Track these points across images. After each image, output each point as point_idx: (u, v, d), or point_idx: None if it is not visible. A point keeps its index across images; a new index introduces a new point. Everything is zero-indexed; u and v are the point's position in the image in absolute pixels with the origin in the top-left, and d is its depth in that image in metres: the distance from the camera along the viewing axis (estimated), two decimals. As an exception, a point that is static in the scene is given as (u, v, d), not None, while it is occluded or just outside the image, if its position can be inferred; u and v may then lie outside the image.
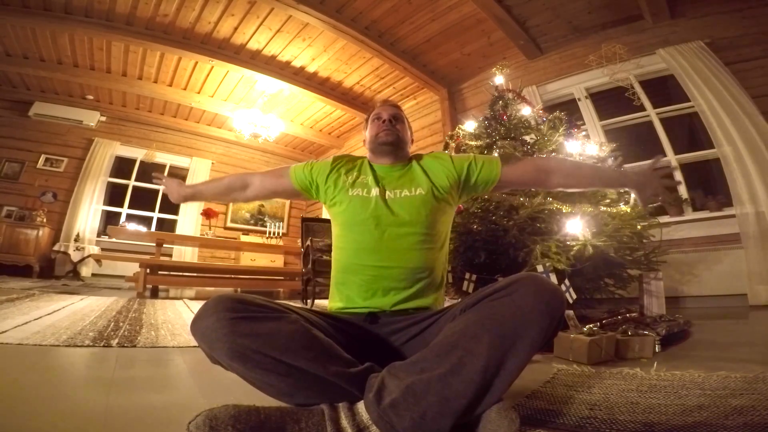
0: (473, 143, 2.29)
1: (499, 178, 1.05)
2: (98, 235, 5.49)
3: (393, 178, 1.06)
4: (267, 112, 5.33)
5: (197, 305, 2.50)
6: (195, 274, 4.46)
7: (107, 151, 5.69)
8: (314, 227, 3.85)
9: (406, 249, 0.94)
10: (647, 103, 3.37)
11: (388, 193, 1.02)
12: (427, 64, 4.51)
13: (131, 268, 3.94)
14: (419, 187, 1.02)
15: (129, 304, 2.67)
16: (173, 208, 6.26)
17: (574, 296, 1.56)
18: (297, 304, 0.96)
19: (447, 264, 1.06)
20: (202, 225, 6.11)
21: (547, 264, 1.60)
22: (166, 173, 6.24)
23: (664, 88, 3.42)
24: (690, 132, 3.39)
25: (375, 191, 1.02)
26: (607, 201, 1.96)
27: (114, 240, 5.38)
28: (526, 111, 2.32)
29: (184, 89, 5.16)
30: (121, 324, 1.81)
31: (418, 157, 1.13)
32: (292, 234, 7.08)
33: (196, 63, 4.55)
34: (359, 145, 7.16)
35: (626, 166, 2.40)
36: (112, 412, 0.75)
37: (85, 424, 0.69)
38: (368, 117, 1.18)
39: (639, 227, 1.90)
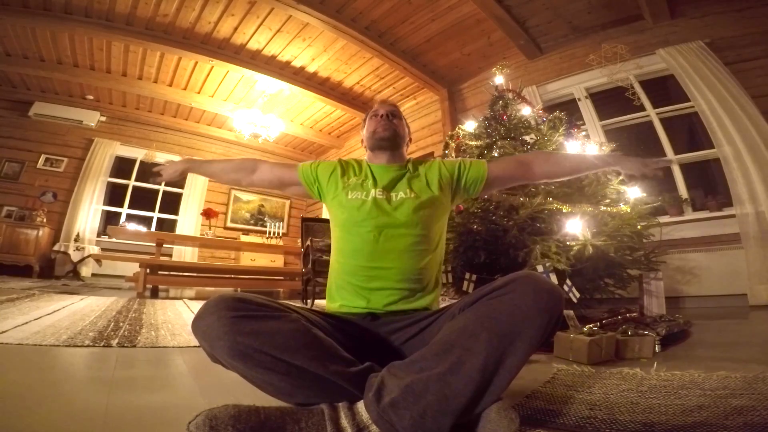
0: (473, 143, 2.29)
1: (486, 174, 1.09)
2: (98, 235, 5.49)
3: (390, 178, 1.07)
4: (267, 112, 5.33)
5: (197, 305, 2.50)
6: (195, 274, 4.46)
7: (107, 151, 5.68)
8: (314, 227, 3.85)
9: (401, 251, 0.95)
10: (647, 103, 3.37)
11: (386, 194, 1.03)
12: (427, 64, 4.51)
13: (131, 268, 3.94)
14: (415, 190, 1.04)
15: (129, 304, 2.67)
16: (173, 208, 6.26)
17: (578, 295, 1.56)
18: (297, 304, 0.96)
19: (442, 266, 1.08)
20: (202, 225, 6.11)
21: (547, 264, 1.60)
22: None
23: (664, 88, 3.42)
24: (690, 132, 3.39)
25: (372, 194, 1.03)
26: (607, 201, 1.96)
27: (114, 240, 5.38)
28: (526, 111, 2.32)
29: (184, 89, 5.16)
30: (121, 324, 1.81)
31: (415, 161, 1.15)
32: (292, 234, 7.08)
33: (196, 63, 4.55)
34: (359, 145, 7.16)
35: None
36: (112, 412, 0.75)
37: (85, 424, 0.69)
38: (366, 116, 1.20)
39: (639, 227, 1.90)
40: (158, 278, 3.92)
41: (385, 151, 1.11)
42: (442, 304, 0.99)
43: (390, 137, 1.10)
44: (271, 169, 1.21)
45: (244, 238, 6.52)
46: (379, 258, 0.95)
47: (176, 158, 1.38)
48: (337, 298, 0.99)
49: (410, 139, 1.22)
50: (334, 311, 0.96)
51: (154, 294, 3.82)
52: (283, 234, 7.00)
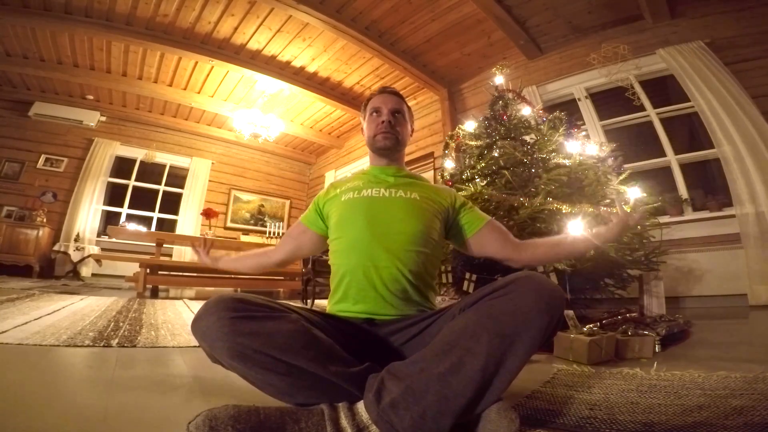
0: (473, 143, 2.29)
1: (484, 223, 1.02)
2: (98, 235, 5.49)
3: (389, 178, 1.07)
4: (267, 112, 5.33)
5: (197, 305, 2.50)
6: (195, 274, 4.45)
7: (107, 151, 5.68)
8: (314, 227, 3.84)
9: (397, 249, 0.92)
10: (647, 103, 3.36)
11: (383, 191, 1.02)
12: (427, 64, 4.51)
13: (131, 268, 3.94)
14: (414, 192, 1.02)
15: (129, 304, 2.67)
16: (173, 208, 6.27)
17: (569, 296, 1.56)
18: (297, 304, 0.96)
19: (437, 277, 1.04)
20: (202, 225, 6.11)
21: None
22: (165, 173, 6.29)
23: (664, 88, 3.42)
24: (690, 132, 3.39)
25: (367, 192, 1.02)
26: (607, 201, 1.96)
27: (114, 240, 5.38)
28: (526, 111, 2.32)
29: (184, 89, 5.16)
30: (121, 324, 1.81)
31: (417, 176, 1.14)
32: (292, 234, 7.07)
33: (196, 63, 4.55)
34: (359, 145, 7.15)
35: (626, 166, 2.39)
36: (112, 412, 0.75)
37: (85, 424, 0.69)
38: (366, 103, 1.13)
39: (639, 227, 1.90)
40: (158, 278, 3.92)
41: (384, 157, 1.10)
42: (443, 304, 0.99)
43: (390, 146, 1.07)
44: (282, 241, 1.19)
45: (244, 238, 6.51)
46: (375, 257, 0.91)
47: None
48: (336, 301, 0.98)
49: (412, 130, 1.17)
50: (334, 312, 0.96)
51: (154, 294, 3.83)
52: (283, 234, 7.00)
